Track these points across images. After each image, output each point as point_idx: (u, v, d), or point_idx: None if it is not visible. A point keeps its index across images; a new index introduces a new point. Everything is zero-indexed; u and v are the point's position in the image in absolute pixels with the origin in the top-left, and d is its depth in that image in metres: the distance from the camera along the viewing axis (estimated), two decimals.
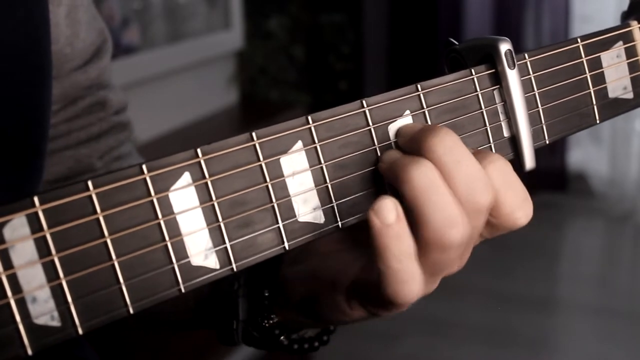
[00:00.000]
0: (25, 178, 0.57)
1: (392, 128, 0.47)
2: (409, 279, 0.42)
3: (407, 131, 0.46)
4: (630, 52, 0.58)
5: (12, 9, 0.54)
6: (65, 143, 0.68)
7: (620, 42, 0.58)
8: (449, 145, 0.44)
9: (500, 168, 0.46)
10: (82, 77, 0.68)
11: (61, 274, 0.36)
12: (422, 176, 0.42)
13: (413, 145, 0.45)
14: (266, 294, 0.55)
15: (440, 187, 0.43)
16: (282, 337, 0.55)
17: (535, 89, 0.53)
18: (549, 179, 3.31)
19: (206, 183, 0.41)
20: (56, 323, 0.36)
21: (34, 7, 0.57)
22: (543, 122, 0.54)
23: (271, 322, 0.55)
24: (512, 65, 0.50)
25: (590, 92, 0.56)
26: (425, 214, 0.42)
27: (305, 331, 0.56)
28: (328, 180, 0.45)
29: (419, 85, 0.48)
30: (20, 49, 0.56)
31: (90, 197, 0.37)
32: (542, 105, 0.53)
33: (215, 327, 0.58)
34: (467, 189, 0.44)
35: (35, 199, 0.36)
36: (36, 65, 0.58)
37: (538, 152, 0.52)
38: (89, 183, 0.37)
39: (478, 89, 0.50)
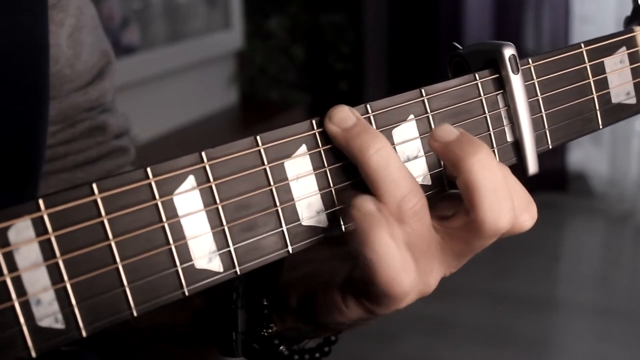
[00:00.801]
0: (19, 200, 0.57)
1: (396, 132, 0.47)
2: (400, 265, 0.43)
3: (442, 135, 0.46)
4: (633, 58, 0.58)
5: (10, 29, 0.54)
6: (62, 165, 0.67)
7: (624, 48, 0.58)
8: (481, 161, 0.44)
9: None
10: (82, 99, 0.67)
11: (65, 277, 0.36)
12: (378, 157, 0.44)
13: (448, 152, 0.45)
14: (265, 303, 0.54)
15: (394, 165, 0.44)
16: (282, 347, 0.54)
17: (539, 94, 0.53)
18: (549, 179, 3.31)
19: (210, 186, 0.41)
20: (60, 325, 0.36)
21: (33, 28, 0.56)
22: (546, 127, 0.54)
23: (270, 331, 0.54)
24: (516, 70, 0.50)
25: (593, 98, 0.56)
26: (382, 193, 0.43)
27: (305, 342, 0.56)
28: (332, 185, 0.45)
29: (423, 90, 0.48)
30: (18, 70, 0.55)
31: (95, 200, 0.37)
32: (545, 110, 0.54)
33: (214, 340, 0.58)
34: (494, 213, 0.45)
35: (40, 202, 0.36)
36: (33, 86, 0.57)
37: (539, 153, 0.53)
38: (94, 186, 0.37)
39: (482, 94, 0.50)
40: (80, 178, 0.67)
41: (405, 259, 0.43)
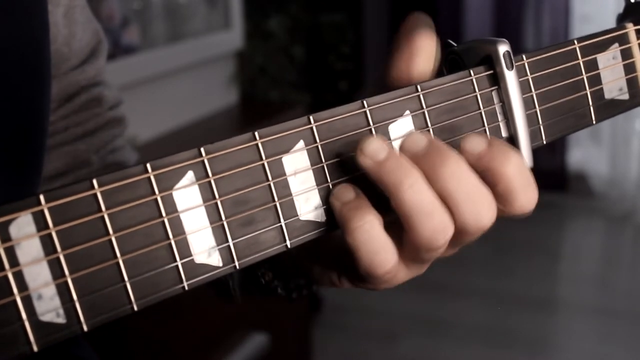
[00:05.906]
0: (25, 175, 0.58)
1: (393, 128, 0.47)
2: (379, 249, 0.44)
3: (411, 146, 0.46)
4: (626, 54, 0.59)
5: (11, 9, 0.55)
6: (63, 139, 0.69)
7: (616, 44, 0.58)
8: (452, 171, 0.45)
9: (519, 166, 0.47)
10: (80, 77, 0.69)
11: (66, 272, 0.37)
12: (412, 192, 0.44)
13: (419, 162, 0.45)
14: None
15: (427, 199, 0.44)
16: (279, 290, 0.58)
17: (533, 90, 0.54)
18: (549, 179, 3.31)
19: (209, 182, 0.41)
20: (61, 320, 0.37)
21: (33, 7, 0.57)
22: (540, 122, 0.54)
23: (267, 278, 0.57)
24: (510, 67, 0.51)
25: (586, 93, 0.57)
26: (415, 226, 0.44)
27: (298, 279, 0.59)
28: (329, 180, 0.45)
29: (418, 86, 0.48)
30: (20, 50, 0.56)
31: (95, 195, 0.38)
32: (539, 106, 0.54)
33: (211, 285, 0.60)
34: (473, 217, 0.45)
35: (41, 197, 0.36)
36: (36, 65, 0.58)
37: (537, 151, 0.53)
38: (94, 181, 0.38)
39: (477, 90, 0.51)
40: (81, 150, 0.69)
41: (384, 243, 0.44)
